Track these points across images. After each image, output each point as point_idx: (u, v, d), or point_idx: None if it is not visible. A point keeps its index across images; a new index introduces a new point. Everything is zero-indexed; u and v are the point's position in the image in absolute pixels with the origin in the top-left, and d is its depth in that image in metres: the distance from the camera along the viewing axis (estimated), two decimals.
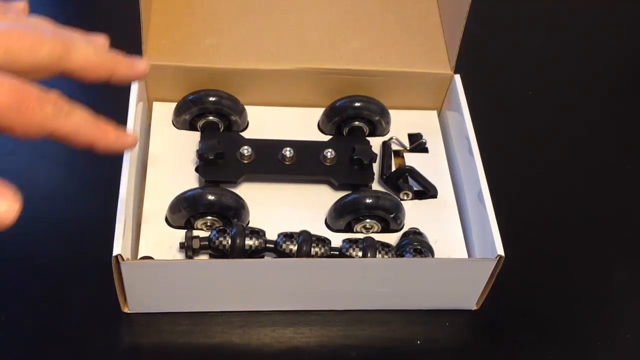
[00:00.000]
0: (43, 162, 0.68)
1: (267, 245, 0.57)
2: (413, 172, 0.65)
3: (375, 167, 0.66)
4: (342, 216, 0.61)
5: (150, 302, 0.57)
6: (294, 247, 0.57)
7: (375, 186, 0.65)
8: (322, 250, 0.57)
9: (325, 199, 0.63)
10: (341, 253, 0.58)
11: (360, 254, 0.57)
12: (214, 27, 0.69)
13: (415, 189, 0.65)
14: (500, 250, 0.55)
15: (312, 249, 0.57)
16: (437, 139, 0.70)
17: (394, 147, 0.69)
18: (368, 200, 0.60)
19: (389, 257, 0.57)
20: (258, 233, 0.57)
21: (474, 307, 0.61)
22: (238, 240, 0.55)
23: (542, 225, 0.69)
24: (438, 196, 0.65)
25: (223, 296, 0.57)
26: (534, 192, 0.72)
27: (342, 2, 0.73)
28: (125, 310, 0.57)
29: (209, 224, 0.60)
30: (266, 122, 0.70)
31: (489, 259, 0.55)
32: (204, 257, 0.58)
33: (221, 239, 0.56)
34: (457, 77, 0.69)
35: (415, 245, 0.58)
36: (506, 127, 0.78)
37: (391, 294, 0.58)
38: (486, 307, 0.61)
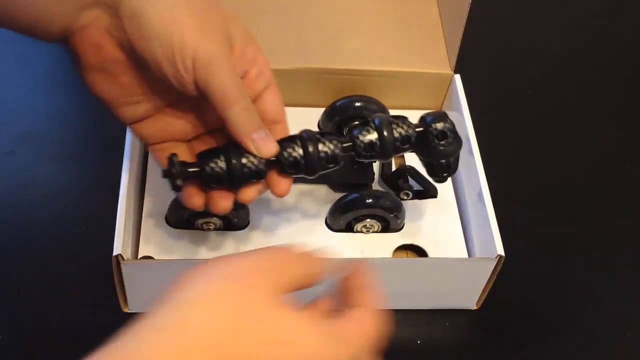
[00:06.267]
0: (43, 162, 0.68)
1: (268, 161, 0.47)
2: (413, 172, 0.65)
3: (375, 167, 0.66)
4: (342, 216, 0.61)
5: (150, 302, 0.56)
6: (300, 152, 0.48)
7: (375, 186, 0.65)
8: (332, 147, 0.48)
9: (325, 199, 0.63)
10: (354, 142, 0.49)
11: (375, 136, 0.49)
12: None
13: (415, 189, 0.65)
14: (500, 250, 0.55)
15: (321, 148, 0.48)
16: None
17: None
18: (368, 200, 0.60)
19: (410, 131, 0.50)
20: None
21: (474, 307, 0.61)
22: (234, 160, 0.46)
23: (542, 225, 0.69)
24: (438, 196, 0.65)
25: None
26: (534, 192, 0.72)
27: (342, 2, 0.73)
28: (125, 310, 0.57)
29: (209, 223, 0.60)
30: None
31: (489, 259, 0.55)
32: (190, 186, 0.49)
33: (213, 164, 0.46)
34: (457, 77, 0.69)
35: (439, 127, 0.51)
36: (506, 127, 0.78)
37: (391, 294, 0.58)
38: (486, 307, 0.61)
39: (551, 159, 0.76)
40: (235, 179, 0.46)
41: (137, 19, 0.42)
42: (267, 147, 0.46)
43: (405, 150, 0.50)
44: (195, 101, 0.48)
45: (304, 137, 0.48)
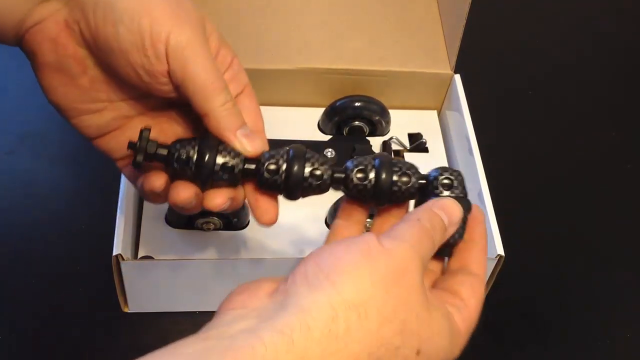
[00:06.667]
0: (43, 162, 0.68)
1: (245, 166, 0.43)
2: None
3: None
4: None
5: (150, 302, 0.57)
6: (283, 166, 0.43)
7: None
8: (319, 172, 0.43)
9: (325, 199, 0.63)
10: (347, 175, 0.44)
11: (372, 175, 0.43)
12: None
13: None
14: (500, 250, 0.55)
15: (306, 169, 0.43)
16: (437, 138, 0.70)
17: (394, 147, 0.69)
18: None
19: (412, 170, 0.44)
20: (237, 153, 0.43)
21: None
22: (208, 155, 0.41)
23: (542, 225, 0.69)
24: None
25: (224, 295, 0.57)
26: (534, 192, 0.72)
27: (342, 2, 0.73)
28: (125, 310, 0.57)
29: (209, 223, 0.60)
30: (266, 122, 0.69)
31: (489, 259, 0.55)
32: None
33: (186, 143, 0.42)
34: (457, 77, 0.69)
35: (445, 178, 0.44)
36: (506, 127, 0.78)
37: None
38: (486, 307, 0.60)
39: (551, 159, 0.76)
40: (203, 170, 0.41)
41: (103, 6, 0.38)
42: (254, 144, 0.42)
43: (405, 196, 0.45)
44: (166, 109, 0.44)
45: (290, 154, 0.43)
